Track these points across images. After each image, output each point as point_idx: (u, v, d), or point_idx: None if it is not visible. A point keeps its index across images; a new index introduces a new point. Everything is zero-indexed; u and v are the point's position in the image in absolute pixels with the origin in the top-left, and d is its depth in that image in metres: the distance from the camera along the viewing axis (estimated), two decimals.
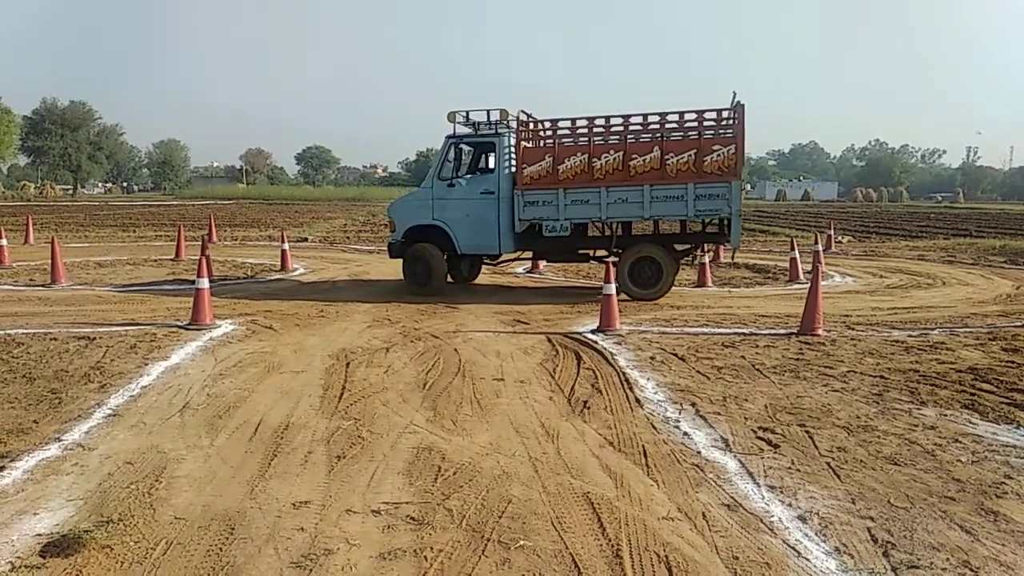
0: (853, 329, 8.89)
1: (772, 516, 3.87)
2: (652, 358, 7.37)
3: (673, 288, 12.35)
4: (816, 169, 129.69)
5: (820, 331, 8.44)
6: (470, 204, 11.51)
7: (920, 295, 11.96)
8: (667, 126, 10.95)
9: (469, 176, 11.77)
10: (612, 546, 3.56)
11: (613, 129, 11.10)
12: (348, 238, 24.05)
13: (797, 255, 13.99)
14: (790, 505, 4.00)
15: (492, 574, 3.30)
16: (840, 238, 22.91)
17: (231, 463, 4.61)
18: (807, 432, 5.16)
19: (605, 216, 11.08)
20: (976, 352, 7.60)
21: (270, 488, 4.23)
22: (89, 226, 28.12)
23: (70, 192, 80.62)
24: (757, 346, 7.93)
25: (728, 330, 8.90)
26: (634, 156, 10.81)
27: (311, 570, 3.33)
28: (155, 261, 16.36)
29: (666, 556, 3.46)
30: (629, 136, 10.99)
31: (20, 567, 3.33)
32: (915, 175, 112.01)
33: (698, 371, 6.86)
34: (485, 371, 6.90)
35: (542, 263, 15.05)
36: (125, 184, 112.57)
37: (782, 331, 8.75)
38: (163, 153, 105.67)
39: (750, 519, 3.84)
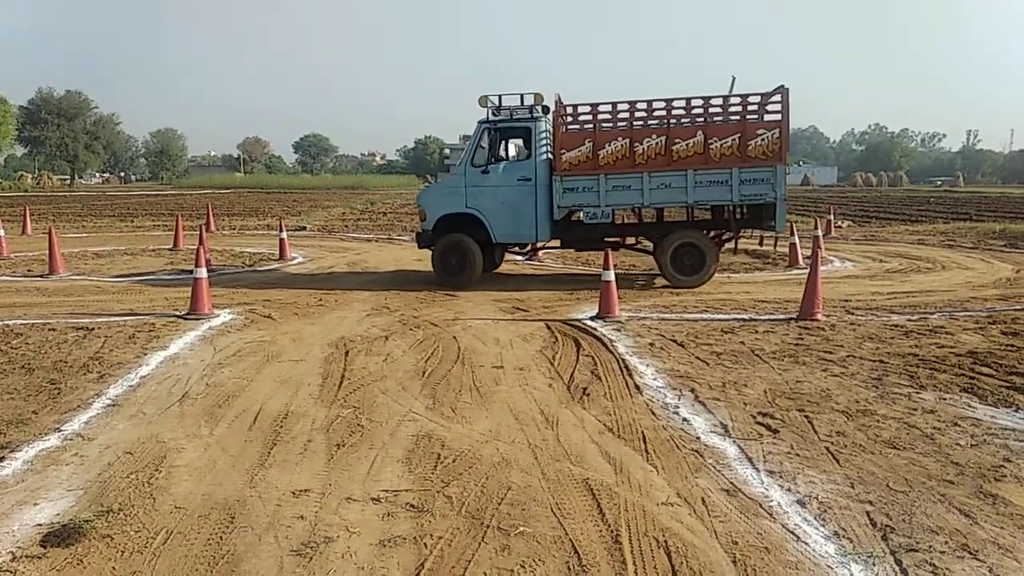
0: (852, 314, 8.89)
1: (771, 501, 3.88)
2: (651, 344, 7.37)
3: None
4: (815, 154, 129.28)
5: (819, 316, 8.44)
6: (505, 191, 11.17)
7: (920, 279, 11.95)
8: (711, 110, 10.82)
9: (504, 162, 11.45)
10: (612, 532, 3.56)
11: (655, 113, 10.92)
12: (346, 226, 24.00)
13: (797, 240, 13.96)
14: (789, 490, 4.01)
15: (492, 560, 3.31)
16: (840, 223, 22.87)
17: (231, 452, 4.61)
18: (806, 417, 5.16)
19: (648, 202, 10.90)
20: (975, 336, 7.60)
21: (270, 477, 4.23)
22: (87, 216, 28.07)
23: (67, 182, 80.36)
24: (756, 332, 7.93)
25: (727, 316, 8.90)
26: (677, 140, 10.67)
27: (311, 558, 3.34)
28: (153, 251, 16.33)
29: (665, 541, 3.47)
30: (672, 120, 10.82)
31: (21, 557, 3.34)
32: (915, 159, 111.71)
33: (697, 357, 6.86)
34: (484, 359, 6.90)
35: (540, 252, 15.02)
36: (122, 174, 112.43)
37: (781, 316, 8.74)
38: (160, 142, 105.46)
39: (749, 504, 3.85)
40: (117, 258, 15.05)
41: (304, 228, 22.65)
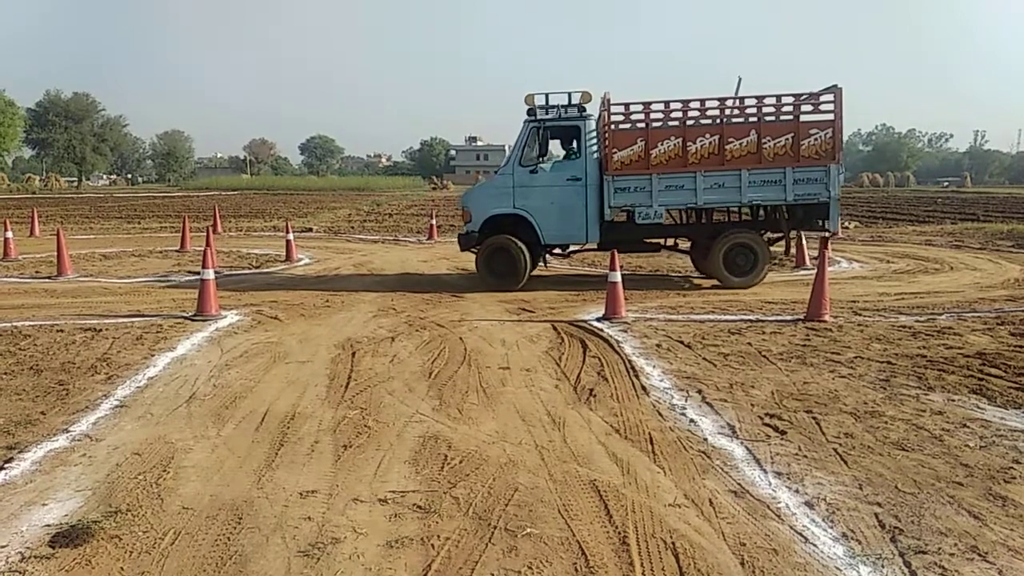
0: (860, 315, 8.86)
1: (779, 502, 3.87)
2: (658, 345, 7.36)
3: (679, 275, 12.36)
4: None
5: (827, 317, 8.41)
6: (555, 191, 10.99)
7: (927, 280, 11.90)
8: (764, 109, 10.79)
9: (552, 162, 11.26)
10: (619, 533, 3.56)
11: (708, 112, 10.87)
12: (353, 228, 24.04)
13: (803, 241, 13.92)
14: (797, 491, 4.00)
15: (499, 562, 3.30)
16: (847, 223, 22.81)
17: (238, 453, 4.62)
18: (814, 418, 5.15)
19: (701, 202, 10.81)
20: (984, 337, 7.56)
21: (277, 478, 4.24)
22: (94, 218, 28.19)
23: (75, 184, 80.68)
24: (763, 333, 7.91)
25: (734, 317, 8.88)
26: (731, 140, 10.61)
27: (318, 559, 3.34)
28: (160, 252, 16.39)
29: (673, 543, 3.46)
30: (725, 119, 10.76)
31: (30, 557, 3.35)
32: (922, 159, 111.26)
33: (704, 358, 6.85)
34: (491, 360, 6.90)
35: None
36: (129, 176, 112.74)
37: (789, 317, 8.72)
38: (167, 144, 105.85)
39: (757, 505, 3.84)
40: (124, 260, 15.10)
41: (310, 229, 22.69)
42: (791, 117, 10.69)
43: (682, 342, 7.48)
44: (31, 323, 8.45)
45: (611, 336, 7.74)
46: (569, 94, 11.02)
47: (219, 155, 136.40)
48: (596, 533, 3.57)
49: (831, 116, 10.56)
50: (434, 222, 20.93)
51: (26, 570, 3.25)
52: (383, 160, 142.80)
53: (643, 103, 10.91)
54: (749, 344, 7.38)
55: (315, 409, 5.47)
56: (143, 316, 8.93)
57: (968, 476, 4.17)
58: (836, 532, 3.54)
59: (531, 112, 11.03)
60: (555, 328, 8.24)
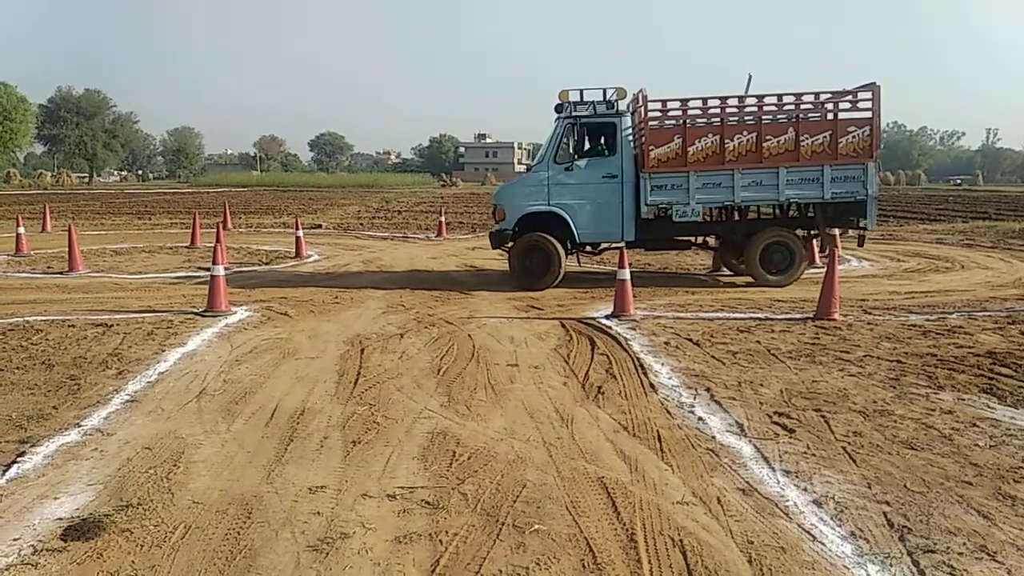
0: (870, 313, 8.83)
1: (787, 500, 3.86)
2: (666, 343, 7.35)
3: (688, 273, 12.32)
4: None
5: (836, 315, 8.38)
6: (591, 189, 10.83)
7: (938, 279, 11.84)
8: (802, 107, 10.77)
9: (587, 159, 11.01)
10: (627, 530, 3.56)
11: (746, 109, 10.83)
12: (362, 224, 24.09)
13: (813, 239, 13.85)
14: (805, 490, 3.99)
15: (507, 558, 3.32)
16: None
17: (248, 448, 4.65)
18: (823, 417, 5.14)
19: (738, 200, 10.77)
20: (995, 336, 7.52)
21: (286, 473, 4.26)
22: (105, 214, 28.34)
23: (86, 180, 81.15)
24: (772, 331, 7.89)
25: (743, 315, 8.86)
26: (768, 137, 10.58)
27: (327, 554, 3.36)
28: (171, 248, 16.46)
29: (681, 540, 3.46)
30: (763, 117, 10.72)
31: (42, 551, 3.38)
32: (934, 157, 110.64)
33: (713, 356, 6.84)
34: (499, 357, 6.91)
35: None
36: (140, 172, 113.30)
37: (798, 316, 8.70)
38: (177, 141, 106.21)
39: (765, 503, 3.84)
40: (135, 255, 15.18)
41: (320, 226, 22.75)
42: (829, 115, 10.69)
43: (691, 340, 7.47)
44: (43, 318, 8.51)
45: (620, 334, 7.74)
46: (604, 90, 10.94)
47: (229, 151, 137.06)
48: (604, 530, 3.57)
49: (869, 114, 10.56)
50: (443, 219, 20.95)
51: (38, 563, 3.29)
52: (392, 157, 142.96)
53: (680, 99, 10.85)
54: (758, 342, 7.36)
55: (324, 405, 5.49)
56: (154, 312, 8.98)
57: (977, 475, 4.15)
58: (844, 531, 3.53)
59: (559, 108, 10.94)
60: (564, 325, 8.25)
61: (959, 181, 78.56)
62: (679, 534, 3.52)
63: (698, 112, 10.87)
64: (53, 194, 47.34)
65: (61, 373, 6.27)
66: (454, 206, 34.14)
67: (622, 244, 11.13)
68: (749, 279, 11.38)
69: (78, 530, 3.56)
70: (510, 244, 11.13)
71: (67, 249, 12.90)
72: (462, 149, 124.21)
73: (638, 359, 6.73)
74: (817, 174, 10.57)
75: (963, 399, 5.51)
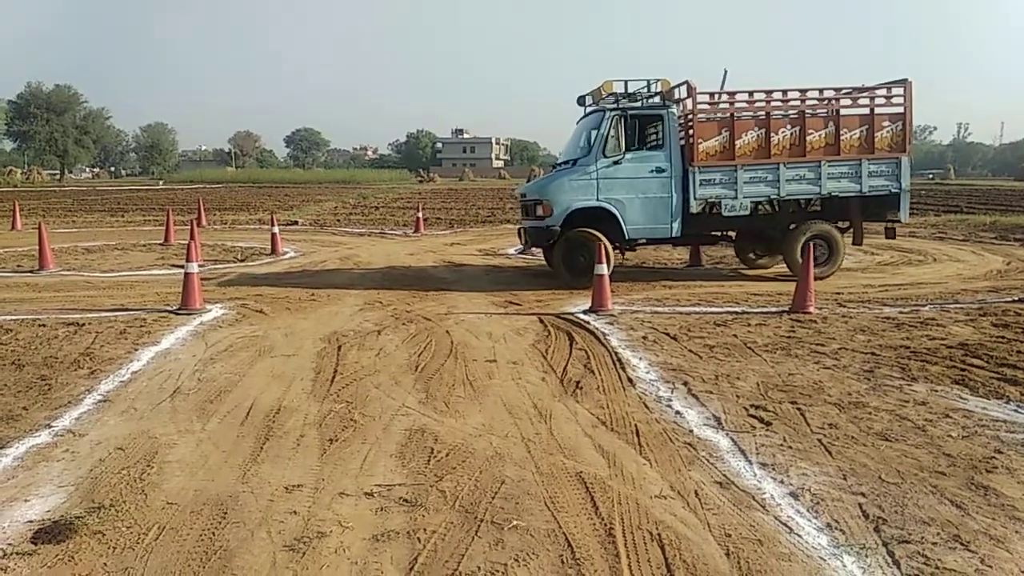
0: (844, 306, 8.92)
1: (764, 493, 3.89)
2: (644, 338, 7.37)
3: (665, 268, 12.36)
4: None
5: (811, 309, 8.46)
6: (640, 183, 10.58)
7: (911, 272, 11.99)
8: (842, 101, 10.86)
9: (633, 152, 10.67)
10: (605, 525, 3.56)
11: (790, 103, 10.86)
12: (339, 221, 23.93)
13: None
14: (782, 482, 4.02)
15: (485, 555, 3.30)
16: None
17: (223, 447, 4.59)
18: (799, 409, 5.18)
19: (784, 193, 10.78)
20: (967, 328, 7.63)
21: (262, 472, 4.22)
22: (77, 211, 27.91)
23: (57, 177, 79.82)
24: (749, 325, 7.94)
25: (720, 309, 8.91)
26: (811, 131, 10.65)
27: (304, 553, 3.32)
28: (144, 246, 16.26)
29: (659, 534, 3.47)
30: (806, 111, 10.78)
31: (12, 554, 3.31)
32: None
33: (690, 350, 6.87)
34: (477, 353, 6.89)
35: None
36: (112, 168, 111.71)
37: (774, 309, 8.76)
38: (151, 137, 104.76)
39: (742, 496, 3.86)
40: (108, 253, 14.97)
41: (296, 223, 22.58)
42: (865, 109, 10.81)
43: (668, 334, 7.50)
44: (12, 317, 8.36)
45: (597, 329, 7.75)
46: (648, 82, 10.86)
47: (203, 148, 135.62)
48: (582, 525, 3.57)
49: (901, 109, 10.73)
50: (420, 215, 20.87)
51: (8, 567, 3.22)
52: (369, 153, 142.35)
53: (728, 92, 10.85)
54: (734, 336, 7.41)
55: (301, 403, 5.44)
56: (126, 310, 8.86)
57: (951, 466, 4.20)
58: (820, 522, 3.56)
59: (580, 101, 10.72)
60: (542, 321, 8.24)
61: (931, 175, 79.57)
62: (657, 528, 3.53)
63: (744, 105, 10.87)
64: (23, 191, 46.55)
65: (31, 373, 6.16)
66: (432, 202, 34.02)
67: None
68: (738, 273, 11.44)
69: (49, 533, 3.49)
70: (552, 241, 10.75)
71: (37, 247, 12.67)
72: (439, 145, 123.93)
73: (616, 354, 6.74)
74: (856, 168, 10.74)
75: (936, 390, 5.58)
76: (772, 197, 10.93)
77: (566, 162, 11.37)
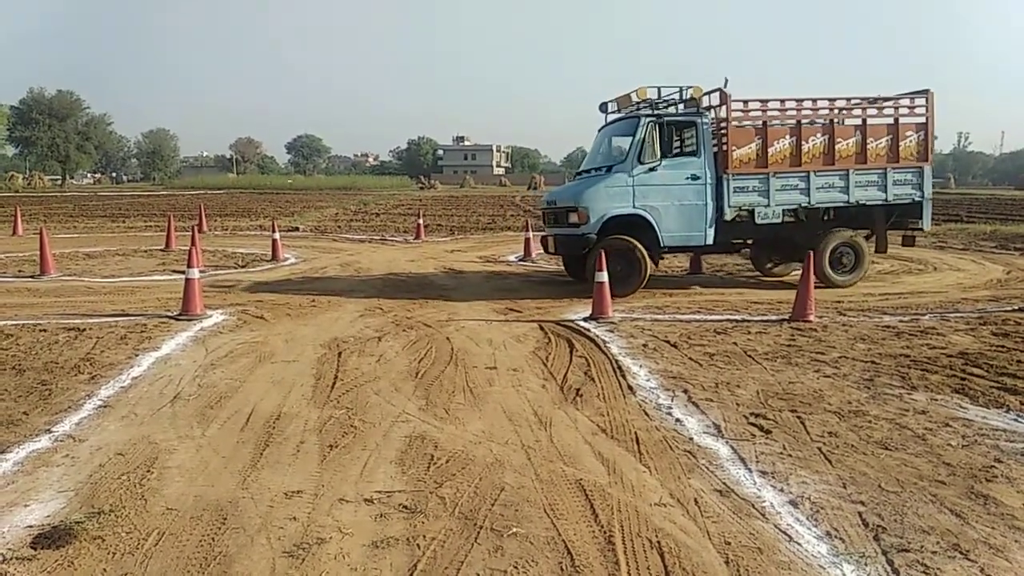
0: (844, 315, 8.92)
1: (764, 501, 3.89)
2: (644, 345, 7.38)
3: (666, 275, 12.37)
4: None
5: (812, 317, 8.46)
6: (676, 190, 10.50)
7: (911, 280, 12.00)
8: (868, 110, 10.96)
9: (668, 159, 10.58)
10: (605, 532, 3.56)
11: (820, 112, 10.92)
12: (339, 227, 23.95)
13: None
14: (782, 490, 4.02)
15: (485, 561, 3.30)
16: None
17: (223, 453, 4.59)
18: (799, 417, 5.18)
19: (814, 202, 10.82)
20: (967, 337, 7.63)
21: (262, 478, 4.22)
22: (78, 217, 27.95)
23: (59, 183, 79.95)
24: (749, 333, 7.95)
25: (720, 317, 8.92)
26: (839, 140, 10.75)
27: (304, 559, 3.32)
28: (145, 252, 16.27)
29: (658, 542, 3.47)
30: (835, 120, 10.85)
31: (11, 559, 3.31)
32: None
33: (690, 358, 6.87)
34: (477, 359, 6.89)
35: (535, 251, 14.97)
36: (114, 174, 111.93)
37: (774, 317, 8.77)
38: (152, 143, 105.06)
39: (742, 504, 3.85)
40: (109, 259, 14.98)
41: (297, 229, 22.60)
42: (890, 119, 10.92)
43: (668, 342, 7.50)
44: (13, 322, 8.37)
45: (598, 336, 7.75)
46: (681, 88, 10.88)
47: (205, 154, 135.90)
48: (582, 532, 3.57)
49: (923, 119, 10.86)
50: (421, 222, 20.89)
51: (8, 572, 3.22)
52: (370, 159, 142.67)
53: (761, 100, 10.87)
54: (735, 344, 7.41)
55: (301, 409, 5.44)
56: (127, 315, 8.86)
57: (950, 475, 4.20)
58: (820, 531, 3.56)
59: (603, 108, 10.73)
60: (542, 328, 8.25)
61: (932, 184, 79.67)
62: (657, 536, 3.53)
63: (776, 113, 10.90)
64: (25, 197, 46.62)
65: (32, 378, 6.16)
66: (432, 208, 34.07)
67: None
68: (737, 281, 11.43)
69: (49, 538, 3.49)
70: (586, 250, 10.47)
71: (39, 252, 12.68)
72: (440, 152, 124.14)
73: (616, 361, 6.75)
74: (881, 176, 10.87)
75: (936, 399, 5.58)
76: (803, 205, 10.92)
77: (589, 170, 11.34)
